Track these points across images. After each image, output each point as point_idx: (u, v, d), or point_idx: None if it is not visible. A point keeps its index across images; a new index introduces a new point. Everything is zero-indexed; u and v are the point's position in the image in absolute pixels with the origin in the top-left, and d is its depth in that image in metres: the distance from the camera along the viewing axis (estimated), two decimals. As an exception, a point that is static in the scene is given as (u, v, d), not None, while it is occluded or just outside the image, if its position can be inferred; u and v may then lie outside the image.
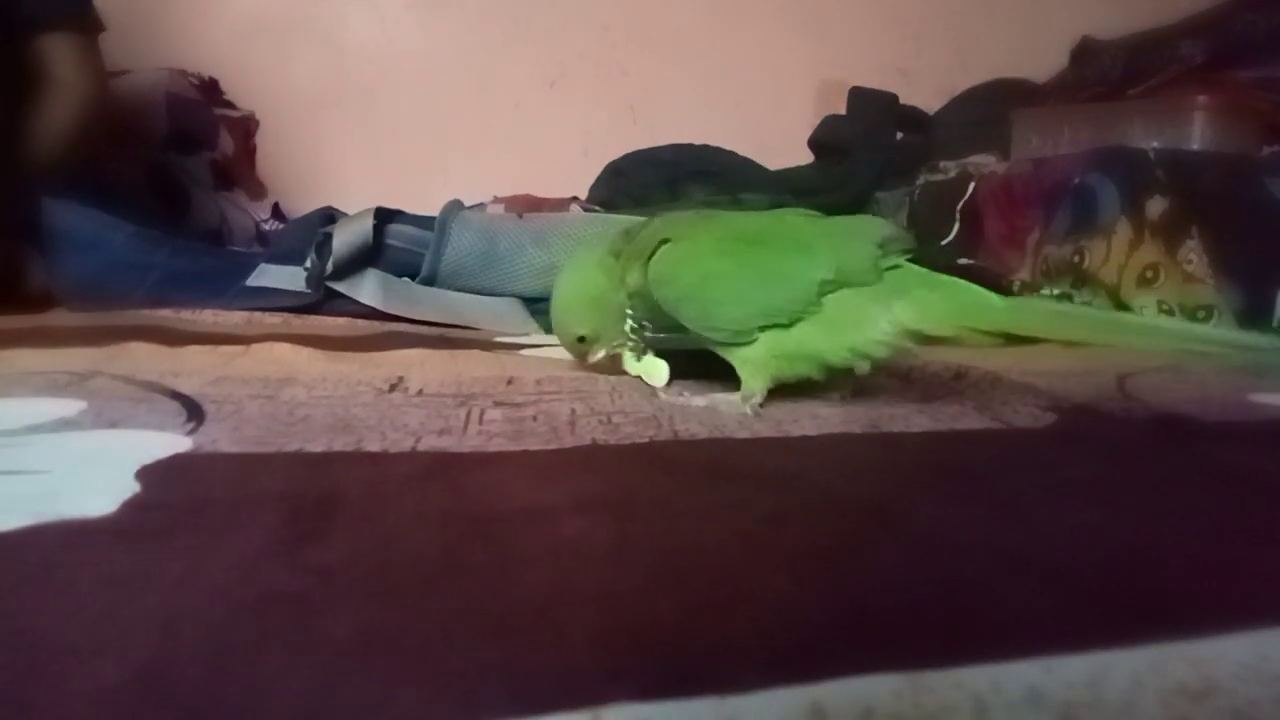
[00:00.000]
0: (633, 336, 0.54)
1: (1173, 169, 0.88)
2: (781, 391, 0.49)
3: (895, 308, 0.45)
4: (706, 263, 0.49)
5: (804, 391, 0.50)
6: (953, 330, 0.45)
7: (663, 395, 0.50)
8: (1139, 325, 0.43)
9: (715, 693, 0.20)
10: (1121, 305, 0.87)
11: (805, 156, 1.36)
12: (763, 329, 0.47)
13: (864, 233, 0.48)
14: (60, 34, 0.96)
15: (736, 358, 0.48)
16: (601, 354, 0.56)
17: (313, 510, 0.30)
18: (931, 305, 0.45)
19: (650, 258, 0.50)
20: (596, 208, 1.18)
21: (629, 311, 0.53)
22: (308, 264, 0.90)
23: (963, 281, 0.46)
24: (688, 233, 0.51)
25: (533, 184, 1.30)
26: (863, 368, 0.47)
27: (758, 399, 0.47)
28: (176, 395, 0.47)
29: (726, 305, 0.48)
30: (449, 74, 1.58)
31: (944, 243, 1.07)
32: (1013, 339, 0.44)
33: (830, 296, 0.46)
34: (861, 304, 0.46)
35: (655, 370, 0.54)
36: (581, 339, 0.56)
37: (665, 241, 0.50)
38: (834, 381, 0.50)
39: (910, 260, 0.48)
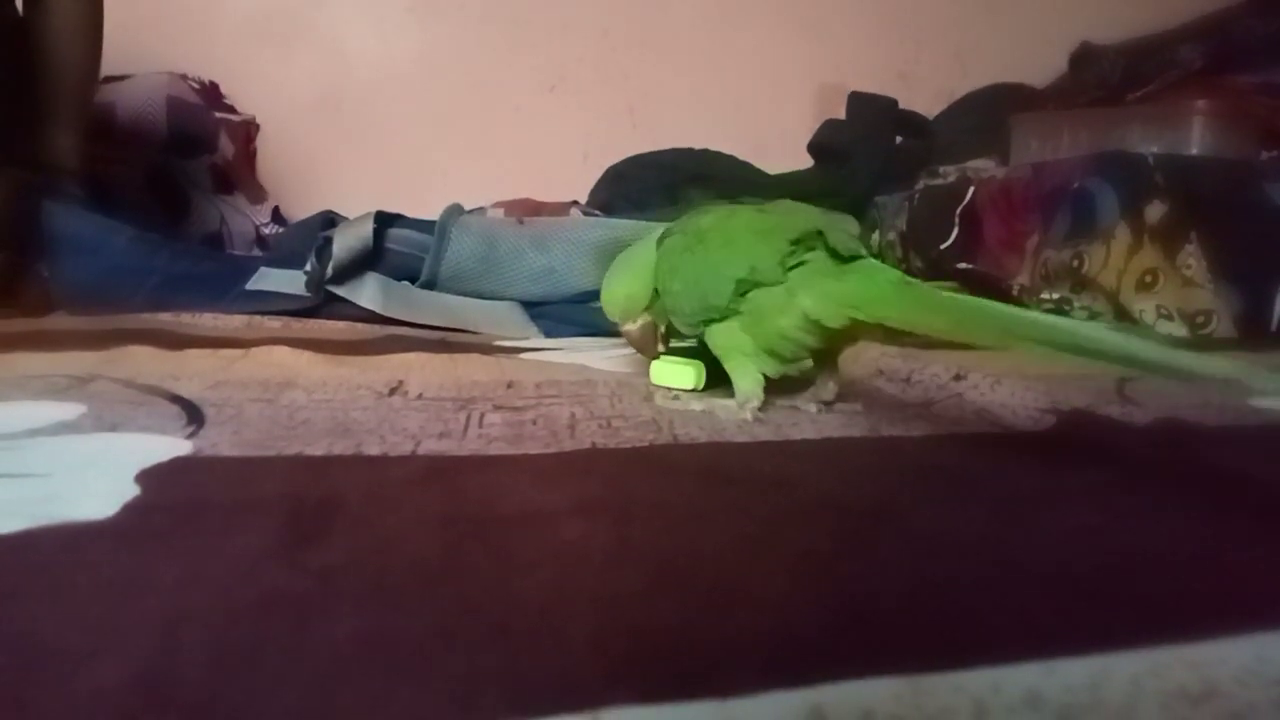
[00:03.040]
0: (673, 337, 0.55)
1: (1172, 174, 0.88)
2: (781, 394, 0.49)
3: (801, 298, 0.45)
4: (675, 256, 0.51)
5: (788, 393, 0.50)
6: (844, 321, 0.44)
7: (659, 401, 0.50)
8: (1038, 324, 0.38)
9: (715, 695, 0.20)
10: (1120, 309, 0.87)
11: (804, 161, 1.36)
12: (705, 323, 0.49)
13: (781, 229, 0.47)
14: None
15: (712, 349, 0.50)
16: (634, 325, 0.56)
17: (312, 513, 0.30)
18: (828, 296, 0.45)
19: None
20: (596, 212, 1.18)
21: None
22: (308, 268, 0.90)
23: (875, 269, 0.46)
24: (684, 226, 0.53)
25: (533, 188, 1.31)
26: (806, 366, 0.48)
27: (754, 403, 0.47)
28: (176, 399, 0.47)
29: (681, 298, 0.50)
30: (449, 78, 1.58)
31: (943, 247, 1.07)
32: (898, 334, 0.43)
33: (751, 294, 0.47)
34: (775, 298, 0.46)
35: (680, 376, 0.54)
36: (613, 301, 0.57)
37: (665, 236, 0.53)
38: (813, 389, 0.50)
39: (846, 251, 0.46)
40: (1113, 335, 0.36)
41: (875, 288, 0.44)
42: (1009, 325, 0.39)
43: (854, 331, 0.45)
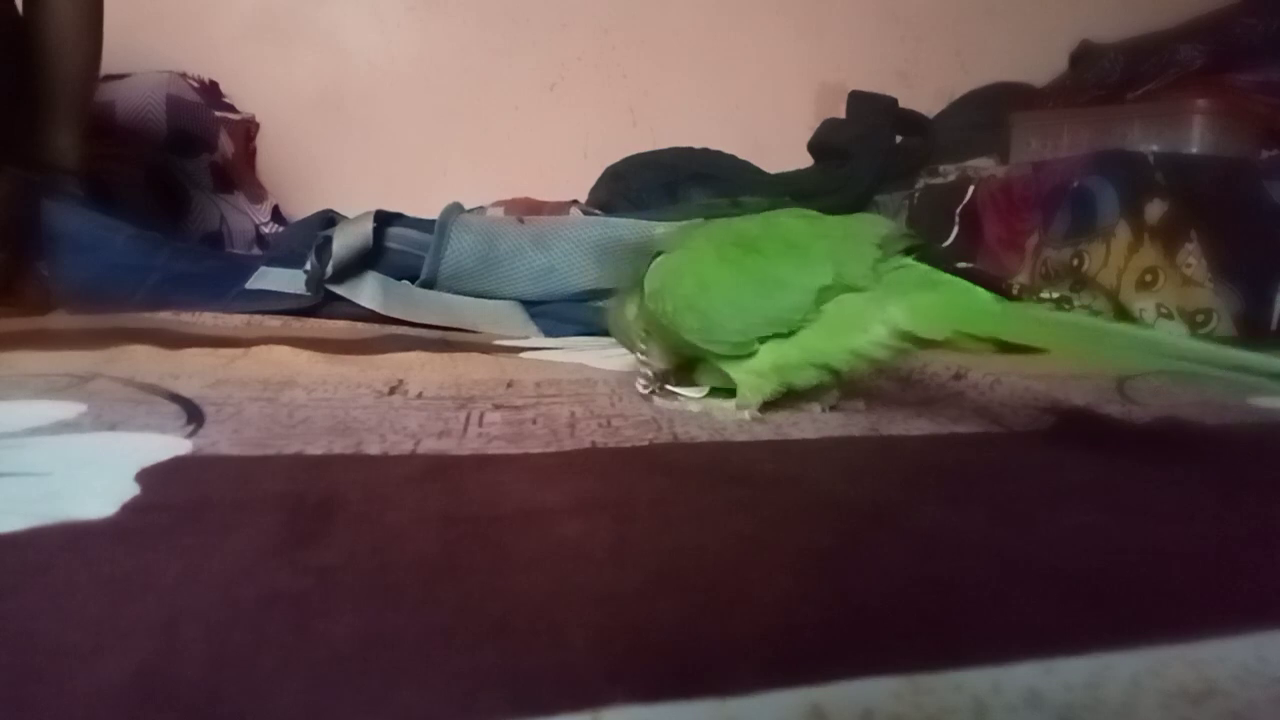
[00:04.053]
0: (648, 374, 0.52)
1: (1172, 172, 0.88)
2: (782, 397, 0.49)
3: (891, 310, 0.43)
4: (705, 270, 0.47)
5: (794, 397, 0.49)
6: (946, 334, 0.42)
7: (657, 400, 0.50)
8: (1139, 338, 0.38)
9: (715, 694, 0.20)
10: (1120, 308, 0.87)
11: (804, 160, 1.36)
12: (763, 340, 0.46)
13: (862, 234, 0.46)
14: None
15: (738, 372, 0.47)
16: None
17: (312, 512, 0.30)
18: (926, 308, 0.43)
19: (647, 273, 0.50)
20: (596, 211, 1.18)
21: (641, 353, 0.52)
22: (307, 267, 0.90)
23: (963, 283, 0.44)
24: (685, 242, 0.50)
25: (532, 187, 1.31)
26: (858, 370, 0.46)
27: (752, 408, 0.47)
28: (176, 397, 0.47)
29: (727, 315, 0.46)
30: (449, 77, 1.58)
31: (943, 246, 1.07)
32: (1007, 347, 0.41)
33: (829, 303, 0.44)
34: (859, 308, 0.44)
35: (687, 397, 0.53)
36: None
37: (659, 255, 0.50)
38: (819, 391, 0.48)
39: (917, 256, 0.46)
40: (1231, 352, 0.36)
41: (976, 302, 0.43)
42: (1114, 337, 0.38)
43: (950, 344, 0.43)
